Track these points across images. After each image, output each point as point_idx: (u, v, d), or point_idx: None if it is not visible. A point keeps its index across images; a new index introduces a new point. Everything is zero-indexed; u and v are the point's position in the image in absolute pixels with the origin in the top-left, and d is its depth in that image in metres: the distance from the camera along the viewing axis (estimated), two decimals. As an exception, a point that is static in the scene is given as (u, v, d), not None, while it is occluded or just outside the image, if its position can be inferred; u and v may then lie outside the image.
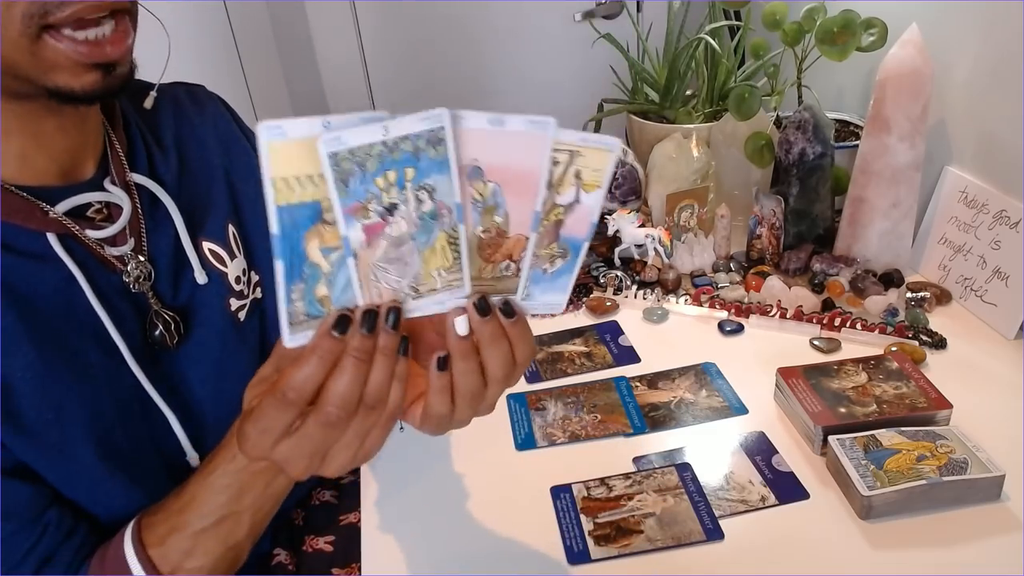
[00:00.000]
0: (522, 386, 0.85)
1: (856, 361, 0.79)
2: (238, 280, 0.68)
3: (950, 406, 0.72)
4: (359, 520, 0.73)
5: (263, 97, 1.70)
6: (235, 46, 1.62)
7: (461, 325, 0.45)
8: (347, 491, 0.88)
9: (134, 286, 0.60)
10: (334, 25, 1.88)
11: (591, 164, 0.44)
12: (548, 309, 0.48)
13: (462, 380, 0.46)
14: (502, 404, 0.82)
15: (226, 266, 0.67)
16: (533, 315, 0.48)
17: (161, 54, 0.64)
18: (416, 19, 1.88)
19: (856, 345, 0.88)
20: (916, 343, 0.86)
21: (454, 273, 0.45)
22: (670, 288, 1.01)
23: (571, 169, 0.44)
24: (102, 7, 0.50)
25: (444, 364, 0.45)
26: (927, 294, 0.93)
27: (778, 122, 1.10)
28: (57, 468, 0.56)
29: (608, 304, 0.99)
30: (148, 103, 0.66)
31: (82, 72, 0.51)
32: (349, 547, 0.77)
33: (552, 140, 0.42)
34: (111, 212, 0.60)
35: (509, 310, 0.45)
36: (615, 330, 0.95)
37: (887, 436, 0.68)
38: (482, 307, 0.45)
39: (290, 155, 0.39)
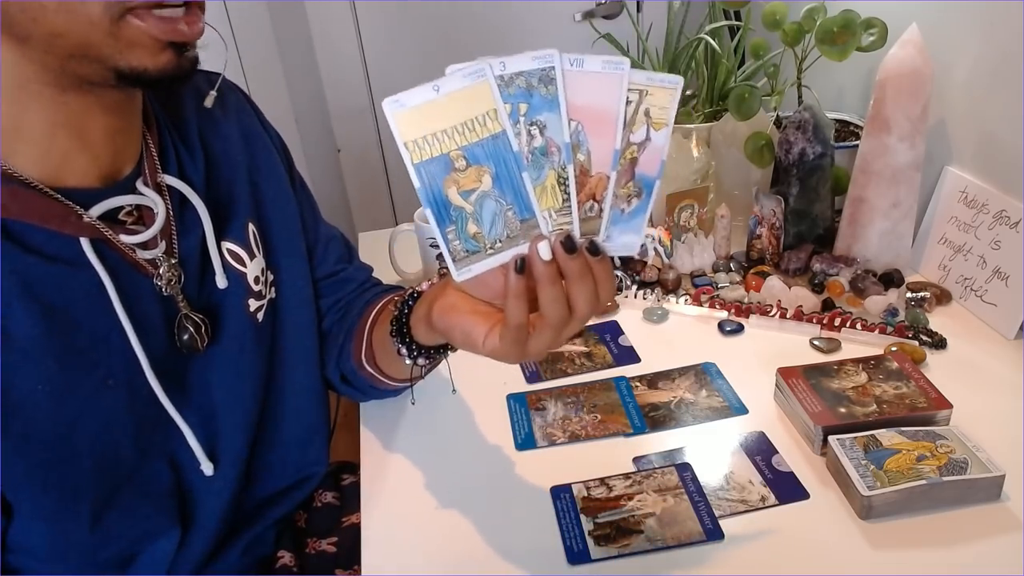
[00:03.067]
0: (522, 386, 0.85)
1: (856, 361, 0.79)
2: (257, 280, 0.68)
3: (950, 406, 0.72)
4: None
5: (263, 97, 1.70)
6: (235, 46, 1.62)
7: (545, 250, 0.47)
8: (349, 492, 0.88)
9: (166, 289, 0.60)
10: (334, 25, 1.88)
11: (658, 102, 0.46)
12: (625, 250, 0.50)
13: (550, 308, 0.48)
14: (502, 404, 0.82)
15: (245, 266, 0.67)
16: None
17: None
18: (416, 19, 1.88)
19: (856, 345, 0.88)
20: (916, 343, 0.86)
21: (564, 216, 0.47)
22: (670, 288, 1.01)
23: (641, 108, 0.46)
24: None
25: (522, 267, 0.47)
26: (927, 294, 0.93)
27: (778, 122, 1.10)
28: (28, 487, 0.55)
29: (608, 304, 0.99)
30: (208, 102, 0.65)
31: (158, 51, 0.51)
32: (352, 548, 0.77)
33: (627, 80, 0.45)
34: (142, 214, 0.59)
35: (595, 248, 0.48)
36: (615, 330, 0.95)
37: (887, 436, 0.68)
38: (569, 245, 0.47)
39: (413, 120, 0.44)
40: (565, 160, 0.46)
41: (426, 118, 0.44)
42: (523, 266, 0.47)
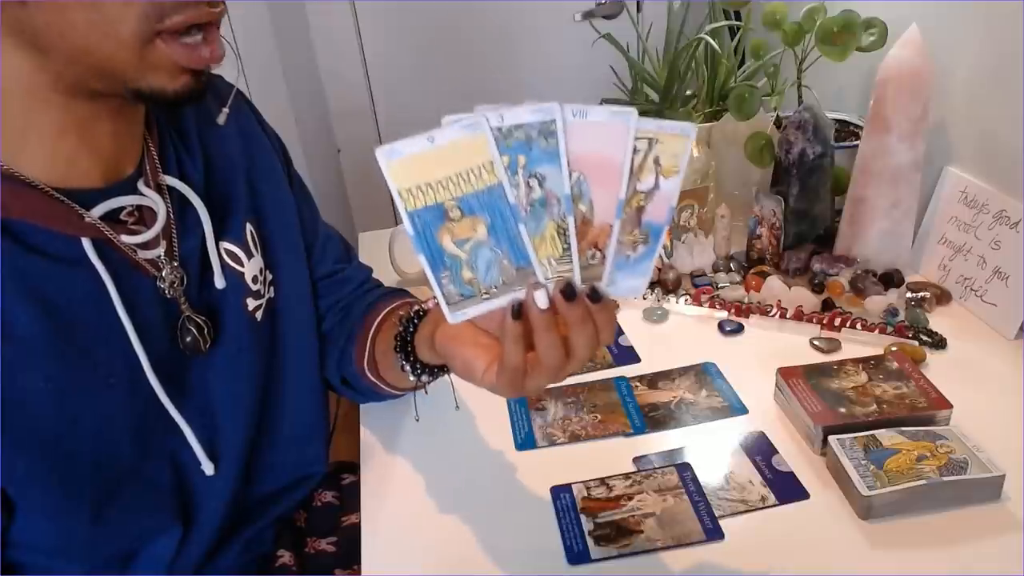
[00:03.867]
0: (522, 386, 0.85)
1: (856, 361, 0.79)
2: (255, 279, 0.68)
3: (950, 406, 0.72)
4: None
5: (263, 97, 1.70)
6: (235, 46, 1.62)
7: (541, 299, 0.47)
8: (348, 492, 0.88)
9: (169, 291, 0.60)
10: (334, 25, 1.87)
11: (669, 150, 0.46)
12: (630, 293, 0.50)
13: (547, 353, 0.48)
14: (502, 404, 0.82)
15: (243, 266, 0.67)
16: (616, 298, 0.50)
17: None
18: (416, 20, 1.88)
19: (856, 345, 0.88)
20: (916, 343, 0.86)
21: (564, 264, 0.47)
22: (670, 288, 1.01)
23: (650, 156, 0.45)
24: (212, 15, 0.52)
25: (518, 313, 0.47)
26: (927, 294, 0.93)
27: (778, 122, 1.10)
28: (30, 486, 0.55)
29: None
30: (221, 120, 0.65)
31: (177, 75, 0.52)
32: (351, 548, 0.77)
33: (634, 130, 0.44)
34: (143, 215, 0.60)
35: (596, 296, 0.47)
36: (615, 330, 0.95)
37: (887, 436, 0.69)
38: (569, 292, 0.46)
39: (408, 169, 0.44)
40: (566, 211, 0.46)
41: (420, 167, 0.44)
42: (519, 312, 0.47)
